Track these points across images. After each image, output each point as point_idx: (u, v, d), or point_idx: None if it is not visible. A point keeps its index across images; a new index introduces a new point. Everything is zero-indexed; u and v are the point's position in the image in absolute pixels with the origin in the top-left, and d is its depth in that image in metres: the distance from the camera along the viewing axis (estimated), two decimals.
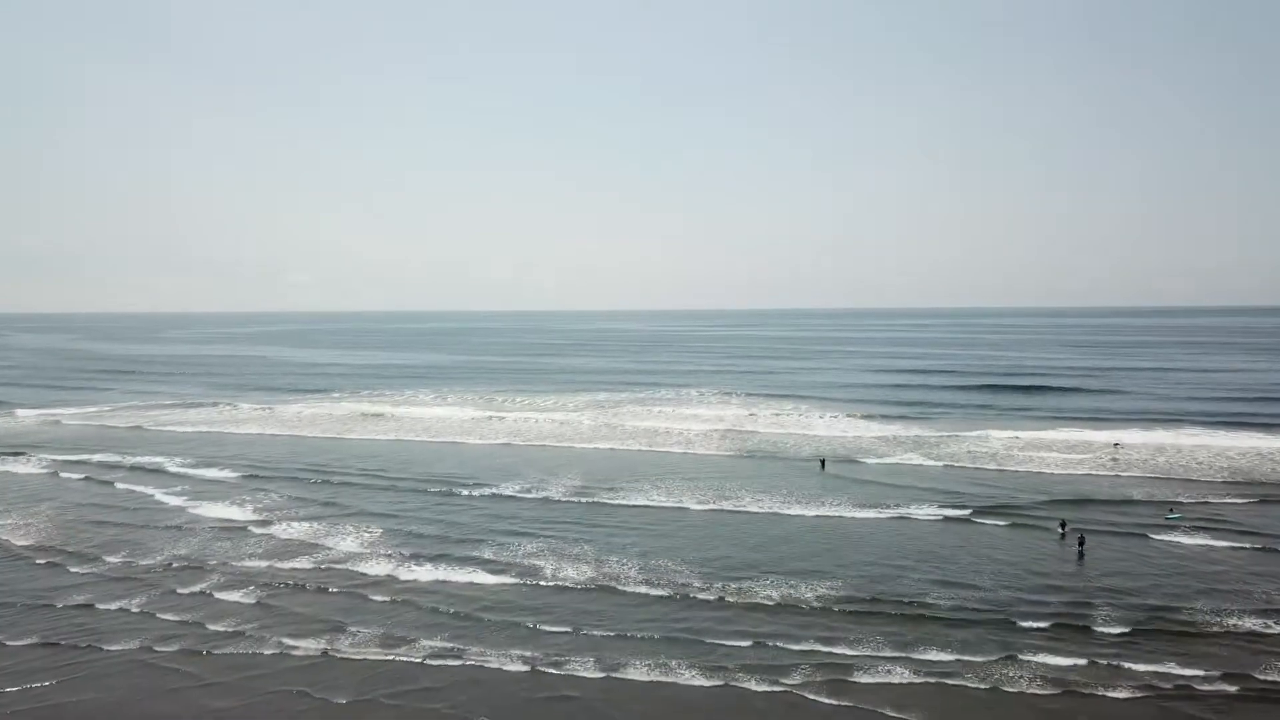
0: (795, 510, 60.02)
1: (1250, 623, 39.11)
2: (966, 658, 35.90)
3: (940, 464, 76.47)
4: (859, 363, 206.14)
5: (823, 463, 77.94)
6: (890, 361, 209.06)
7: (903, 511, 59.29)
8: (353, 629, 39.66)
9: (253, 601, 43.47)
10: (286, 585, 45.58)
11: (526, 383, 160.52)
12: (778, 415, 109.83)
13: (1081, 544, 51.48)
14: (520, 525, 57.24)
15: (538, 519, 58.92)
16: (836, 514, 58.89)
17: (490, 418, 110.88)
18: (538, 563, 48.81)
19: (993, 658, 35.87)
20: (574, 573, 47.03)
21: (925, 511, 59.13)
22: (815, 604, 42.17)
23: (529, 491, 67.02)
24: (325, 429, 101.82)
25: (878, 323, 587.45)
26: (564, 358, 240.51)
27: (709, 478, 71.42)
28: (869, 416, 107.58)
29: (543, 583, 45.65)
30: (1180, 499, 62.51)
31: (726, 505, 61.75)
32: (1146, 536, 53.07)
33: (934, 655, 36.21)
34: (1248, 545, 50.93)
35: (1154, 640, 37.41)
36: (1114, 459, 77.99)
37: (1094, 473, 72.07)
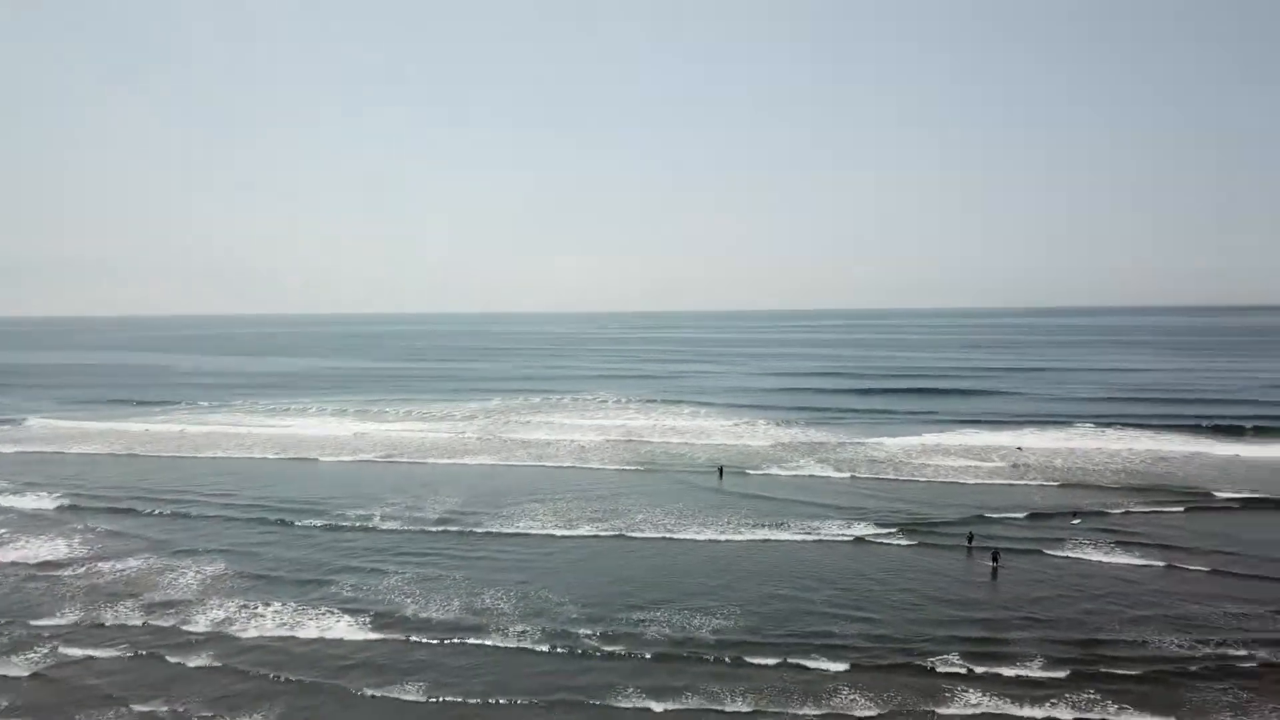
0: (692, 533, 54.98)
1: (1176, 649, 36.11)
2: (886, 710, 31.44)
3: (841, 474, 72.77)
4: (760, 365, 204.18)
5: (720, 471, 74.02)
6: (790, 364, 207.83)
7: (805, 530, 54.97)
8: (162, 708, 32.58)
9: (32, 674, 35.77)
10: (87, 648, 37.99)
11: (422, 390, 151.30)
12: (675, 422, 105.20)
13: (995, 560, 48.28)
14: (384, 559, 50.51)
15: (405, 551, 52.25)
16: (735, 537, 53.97)
17: (368, 430, 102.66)
18: (400, 609, 42.33)
19: (916, 708, 31.47)
20: (443, 619, 40.83)
21: (828, 530, 54.92)
22: (715, 648, 37.15)
23: (398, 517, 60.13)
24: (179, 446, 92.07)
25: (777, 324, 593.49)
26: (475, 362, 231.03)
27: (600, 495, 65.84)
28: (769, 422, 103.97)
29: (405, 635, 39.26)
30: (1082, 506, 60.48)
31: (619, 526, 56.37)
32: (1056, 551, 50.06)
33: (849, 705, 31.67)
34: (1158, 563, 48.01)
35: (1087, 682, 33.57)
36: (1014, 464, 75.88)
37: (994, 481, 69.53)
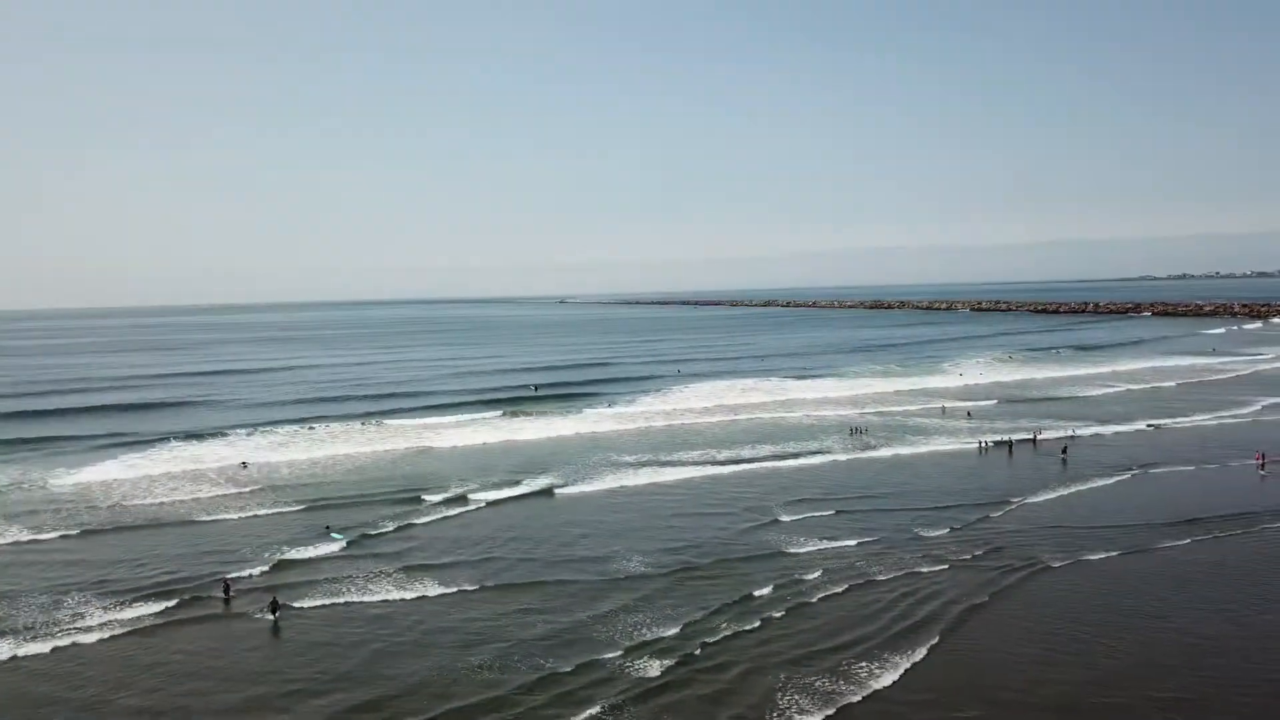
0: None
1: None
2: None
3: (44, 534, 54.37)
4: None
5: None
6: None
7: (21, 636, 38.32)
8: None
9: None
10: None
11: None
12: None
13: (274, 612, 40.52)
14: None
15: None
16: None
17: None
18: None
19: None
20: None
21: (43, 629, 39.15)
22: None
23: None
24: None
25: None
26: None
27: None
28: None
29: None
30: (335, 523, 55.99)
31: None
32: (333, 597, 43.20)
33: None
34: (438, 588, 44.83)
35: None
36: (242, 487, 67.22)
37: (231, 514, 59.10)
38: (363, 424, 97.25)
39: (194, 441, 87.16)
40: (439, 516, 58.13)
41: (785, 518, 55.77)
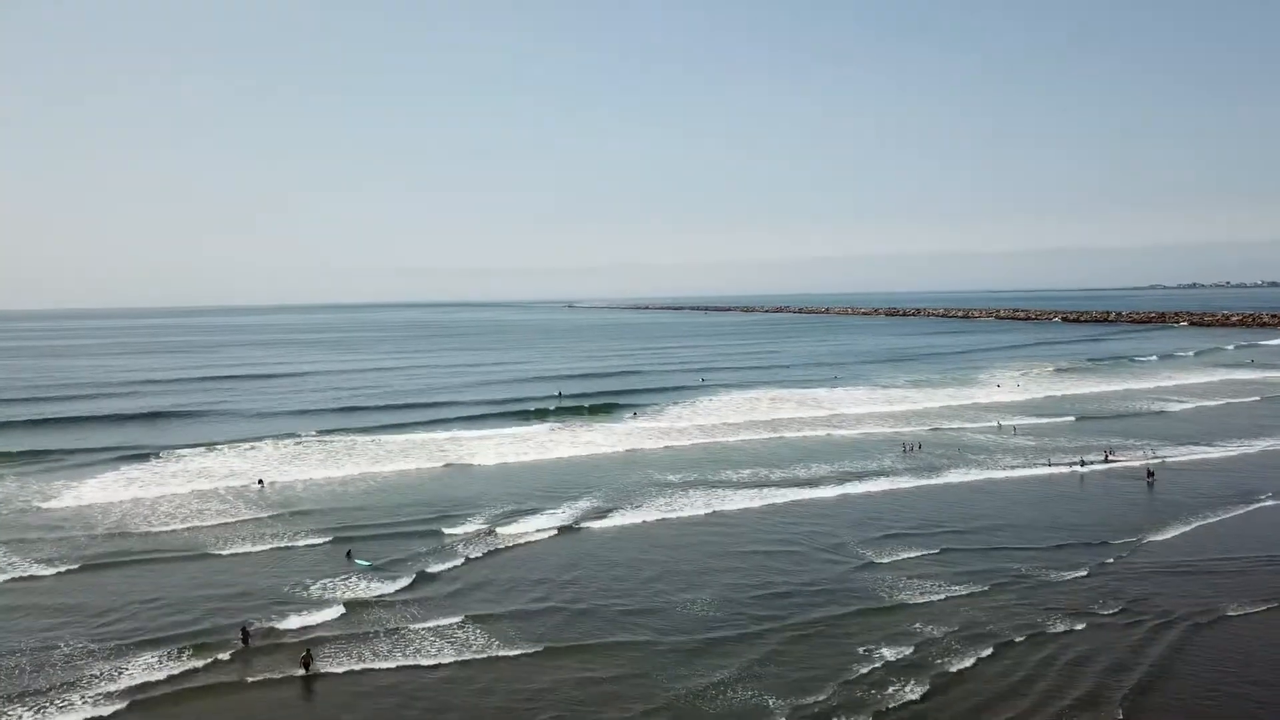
0: None
1: None
2: None
3: (44, 569, 47.96)
4: None
5: None
6: None
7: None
8: None
9: None
10: None
11: None
12: None
13: (306, 668, 34.72)
14: None
15: None
16: None
17: None
18: None
19: None
20: None
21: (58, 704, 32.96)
22: None
23: None
24: None
25: None
26: None
27: None
28: None
29: None
30: (362, 550, 50.12)
31: None
32: (376, 660, 36.77)
33: None
34: (495, 648, 38.59)
35: None
36: (265, 511, 60.72)
37: (252, 547, 52.50)
38: (383, 436, 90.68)
39: (201, 452, 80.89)
40: (484, 551, 51.26)
41: (877, 558, 48.87)
